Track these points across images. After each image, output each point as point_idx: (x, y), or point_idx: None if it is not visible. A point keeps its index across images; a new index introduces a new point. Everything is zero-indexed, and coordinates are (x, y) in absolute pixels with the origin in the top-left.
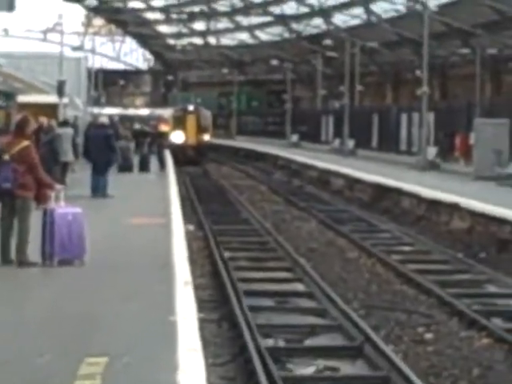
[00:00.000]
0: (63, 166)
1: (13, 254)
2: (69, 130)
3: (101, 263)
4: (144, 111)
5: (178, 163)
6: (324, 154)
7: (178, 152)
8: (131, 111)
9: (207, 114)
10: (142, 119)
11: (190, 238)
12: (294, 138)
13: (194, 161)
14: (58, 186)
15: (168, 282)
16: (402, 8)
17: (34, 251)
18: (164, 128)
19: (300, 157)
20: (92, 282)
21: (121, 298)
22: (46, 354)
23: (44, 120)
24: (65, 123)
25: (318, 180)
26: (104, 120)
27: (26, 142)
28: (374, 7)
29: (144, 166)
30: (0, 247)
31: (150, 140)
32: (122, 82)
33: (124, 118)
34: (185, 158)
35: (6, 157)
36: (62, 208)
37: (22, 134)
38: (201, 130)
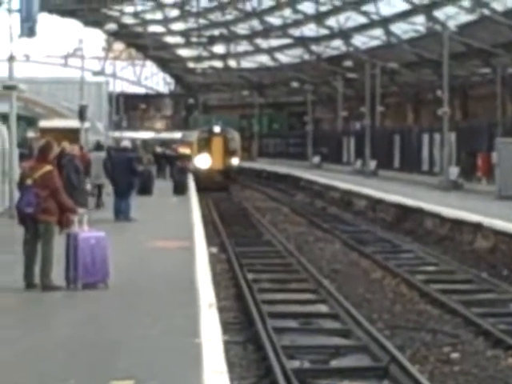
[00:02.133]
0: (98, 189)
1: (37, 279)
2: (101, 154)
3: (125, 287)
4: (172, 134)
5: (202, 189)
6: (346, 175)
7: (204, 177)
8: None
9: (235, 136)
10: (165, 143)
11: (213, 260)
12: (316, 159)
13: (220, 187)
14: (81, 211)
15: (192, 304)
16: (421, 28)
17: (58, 275)
18: (182, 151)
19: (322, 178)
20: (116, 306)
21: (145, 321)
22: (70, 379)
23: (66, 145)
24: (99, 147)
25: (340, 201)
26: (126, 143)
27: (48, 167)
28: (394, 28)
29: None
30: (24, 271)
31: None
32: (143, 106)
33: (150, 142)
34: (211, 183)
35: (29, 181)
36: (85, 232)
37: (45, 159)
38: (228, 153)
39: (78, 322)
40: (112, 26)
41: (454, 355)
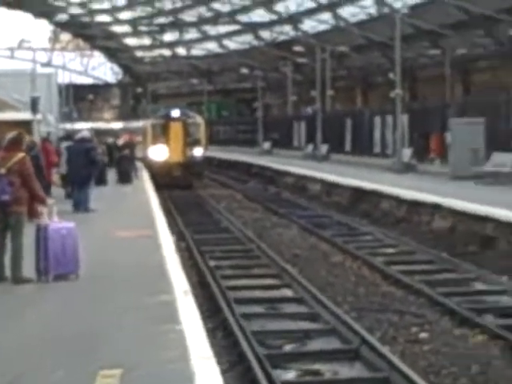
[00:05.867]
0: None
1: (7, 271)
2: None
3: (95, 277)
4: (117, 125)
5: (160, 186)
6: (297, 160)
7: (160, 172)
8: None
9: (199, 121)
10: (115, 133)
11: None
12: (266, 145)
13: (181, 183)
14: (51, 201)
15: (167, 291)
16: (372, 11)
17: (28, 267)
18: (122, 141)
19: (274, 164)
20: (90, 296)
21: (122, 310)
22: (58, 370)
23: (26, 137)
24: (68, 138)
25: (294, 186)
26: (85, 134)
27: (22, 154)
28: (342, 12)
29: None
30: None
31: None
32: (90, 97)
33: (98, 133)
34: (170, 179)
35: (2, 170)
36: (55, 223)
37: (18, 148)
38: (190, 142)
39: (54, 313)
40: (63, 17)
41: (423, 335)
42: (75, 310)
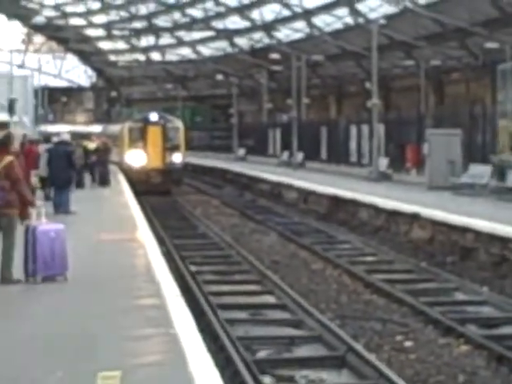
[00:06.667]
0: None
1: None
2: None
3: (83, 279)
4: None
5: (138, 193)
6: (272, 167)
7: (138, 179)
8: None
9: (178, 125)
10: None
11: None
12: (241, 151)
13: (159, 190)
14: (39, 203)
15: (157, 295)
16: (349, 21)
17: (16, 269)
18: (92, 145)
19: (249, 170)
20: (80, 298)
21: (113, 312)
22: (57, 371)
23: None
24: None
25: (270, 193)
26: (66, 137)
27: (10, 157)
28: (316, 20)
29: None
30: None
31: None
32: (64, 99)
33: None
34: (147, 186)
35: None
36: (44, 225)
37: (6, 151)
38: (169, 147)
39: (44, 314)
40: (39, 19)
41: (408, 343)
42: (66, 311)
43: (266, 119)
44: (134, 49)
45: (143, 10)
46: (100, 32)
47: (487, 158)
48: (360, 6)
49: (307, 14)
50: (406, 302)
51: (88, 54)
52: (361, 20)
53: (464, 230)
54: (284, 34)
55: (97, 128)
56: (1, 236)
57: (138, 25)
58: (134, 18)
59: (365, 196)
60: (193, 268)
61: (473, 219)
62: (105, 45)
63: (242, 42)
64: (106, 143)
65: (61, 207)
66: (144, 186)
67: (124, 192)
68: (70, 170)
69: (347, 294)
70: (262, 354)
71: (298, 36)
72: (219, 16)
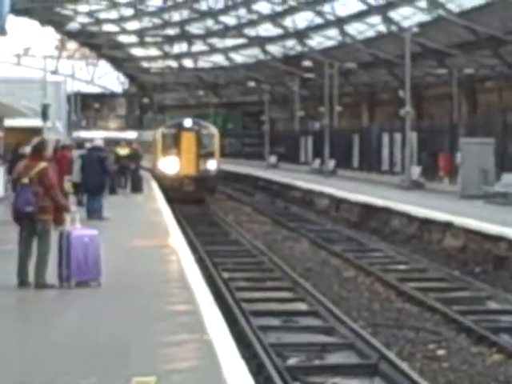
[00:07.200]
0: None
1: (30, 277)
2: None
3: (116, 284)
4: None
5: (170, 200)
6: (304, 174)
7: (171, 186)
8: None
9: (213, 132)
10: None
11: None
12: (273, 159)
13: (193, 198)
14: (73, 208)
15: (190, 301)
16: (382, 29)
17: (50, 274)
18: (122, 151)
19: (281, 178)
20: (113, 304)
21: (147, 318)
22: (91, 377)
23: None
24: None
25: (301, 201)
26: (99, 143)
27: (43, 164)
28: (349, 28)
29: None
30: (18, 270)
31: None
32: (96, 106)
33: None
34: (181, 194)
35: (25, 180)
36: (78, 230)
37: (40, 157)
38: (204, 154)
39: (78, 320)
40: (73, 26)
41: (440, 352)
42: (100, 317)
43: (298, 127)
44: (166, 55)
45: (176, 16)
46: (133, 38)
47: None
48: (392, 14)
49: (340, 22)
50: (439, 310)
51: (120, 60)
52: (393, 28)
53: (497, 238)
54: (316, 41)
55: (131, 134)
56: (36, 241)
57: (170, 32)
58: (166, 24)
59: (397, 204)
60: (225, 275)
61: (506, 228)
62: (137, 51)
63: (275, 49)
64: (137, 149)
65: (94, 213)
66: (177, 194)
67: (157, 199)
68: (103, 176)
69: (379, 302)
70: (293, 360)
71: (330, 44)
72: (252, 23)
